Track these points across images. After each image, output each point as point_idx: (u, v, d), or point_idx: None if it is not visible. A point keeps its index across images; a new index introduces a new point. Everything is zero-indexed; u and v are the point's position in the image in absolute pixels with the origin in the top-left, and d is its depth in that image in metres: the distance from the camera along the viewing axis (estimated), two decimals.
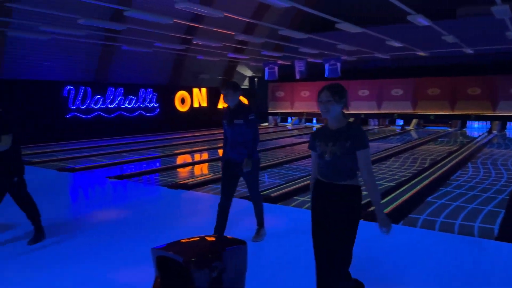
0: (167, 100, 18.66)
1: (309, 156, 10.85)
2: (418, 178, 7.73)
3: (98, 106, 15.86)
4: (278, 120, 24.19)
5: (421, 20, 10.70)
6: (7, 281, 3.43)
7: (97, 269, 3.67)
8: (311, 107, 22.54)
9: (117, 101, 16.52)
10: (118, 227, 5.01)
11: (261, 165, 9.25)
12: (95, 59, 15.99)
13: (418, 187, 6.97)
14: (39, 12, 11.63)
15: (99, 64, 16.17)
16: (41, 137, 13.85)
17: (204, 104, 20.81)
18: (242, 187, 7.12)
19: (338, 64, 19.18)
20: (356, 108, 21.18)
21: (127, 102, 16.94)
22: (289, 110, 23.78)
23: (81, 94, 15.20)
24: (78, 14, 11.44)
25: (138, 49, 15.45)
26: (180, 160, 11.13)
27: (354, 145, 2.59)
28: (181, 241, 2.39)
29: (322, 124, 3.12)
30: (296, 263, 3.83)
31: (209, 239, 2.63)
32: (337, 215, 2.65)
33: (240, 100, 4.24)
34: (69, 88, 14.82)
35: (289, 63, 21.11)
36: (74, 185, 7.88)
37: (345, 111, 2.73)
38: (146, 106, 17.75)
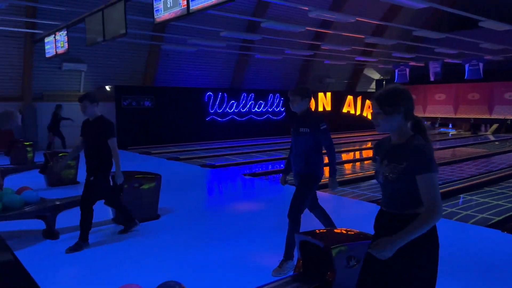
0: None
1: (443, 164, 10.23)
2: None
3: (232, 110, 17.27)
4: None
5: None
6: (167, 252, 4.16)
7: (235, 252, 4.18)
8: (447, 111, 20.88)
9: (248, 106, 17.75)
10: (251, 217, 5.53)
11: None
12: (231, 67, 17.47)
13: None
14: (188, 27, 13.25)
15: (234, 72, 17.63)
16: (187, 137, 15.69)
17: (328, 108, 20.91)
18: (367, 190, 7.15)
19: (481, 65, 17.42)
20: (501, 113, 18.93)
21: (257, 106, 18.05)
22: (420, 114, 22.38)
23: (219, 99, 16.76)
24: (220, 27, 12.70)
25: (270, 57, 16.38)
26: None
27: (411, 167, 1.90)
28: (323, 230, 2.67)
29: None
30: None
31: (348, 231, 2.85)
32: (399, 259, 1.90)
33: (309, 107, 3.91)
34: (209, 94, 16.47)
35: (422, 65, 19.89)
36: (215, 179, 8.84)
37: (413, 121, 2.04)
38: (273, 110, 18.67)
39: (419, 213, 1.89)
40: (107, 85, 14.83)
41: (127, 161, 11.40)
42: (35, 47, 12.61)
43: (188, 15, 5.51)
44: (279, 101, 18.77)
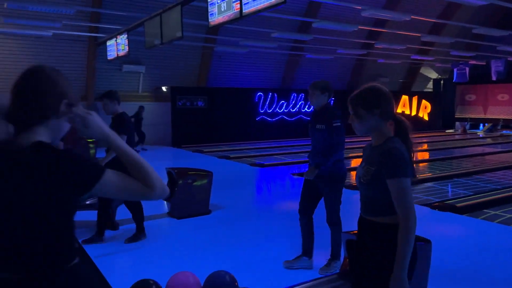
0: (344, 104, 18.98)
1: (505, 168, 9.66)
2: None
3: (282, 110, 17.36)
4: (467, 127, 21.80)
5: None
6: (217, 245, 4.34)
7: (282, 248, 4.26)
8: (511, 113, 19.60)
9: (298, 106, 17.75)
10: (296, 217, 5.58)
11: (444, 173, 8.82)
12: (282, 68, 17.56)
13: None
14: (240, 28, 13.50)
15: (285, 72, 17.70)
16: (237, 136, 16.00)
17: None
18: (421, 193, 6.93)
19: None
20: None
21: (307, 106, 18.00)
22: (481, 116, 21.19)
23: (269, 99, 16.92)
24: (272, 28, 12.83)
25: (321, 56, 16.28)
26: (354, 163, 11.32)
27: (379, 170, 1.82)
28: None
29: None
30: (480, 278, 3.67)
31: None
32: (368, 265, 1.91)
33: (327, 103, 3.72)
34: (259, 94, 16.68)
35: (484, 63, 18.83)
36: (263, 178, 8.98)
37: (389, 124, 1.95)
38: None
39: (393, 222, 1.80)
40: (163, 86, 15.48)
41: (180, 158, 11.89)
42: (98, 49, 13.46)
43: (241, 18, 5.67)
44: (330, 101, 18.56)
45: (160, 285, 2.42)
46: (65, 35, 12.49)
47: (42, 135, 1.24)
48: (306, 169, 3.72)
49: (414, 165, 1.92)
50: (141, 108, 13.53)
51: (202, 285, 2.43)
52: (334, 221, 3.68)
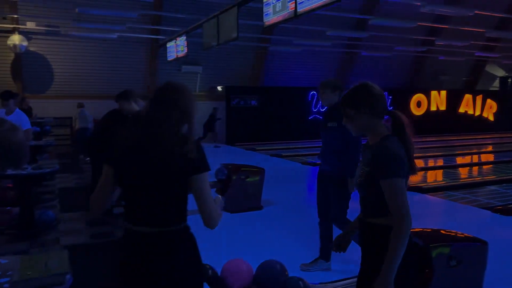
0: (401, 103, 18.34)
1: None
2: None
3: None
4: None
5: None
6: (268, 238, 4.47)
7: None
8: None
9: None
10: (349, 215, 5.57)
11: (509, 176, 8.31)
12: (336, 66, 17.35)
13: None
14: (294, 27, 13.55)
15: (339, 70, 17.47)
16: (289, 135, 16.06)
17: (443, 107, 19.49)
18: (482, 196, 6.61)
19: None
20: None
21: None
22: None
23: None
24: (326, 26, 12.75)
25: (378, 54, 15.88)
26: None
27: (373, 171, 1.76)
28: (424, 229, 2.67)
29: None
30: None
31: (449, 232, 2.80)
32: (365, 267, 1.87)
33: (339, 101, 3.63)
34: (312, 93, 16.61)
35: None
36: (315, 177, 8.95)
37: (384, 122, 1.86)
38: None
39: (389, 224, 1.71)
40: (218, 86, 15.91)
41: (234, 155, 12.17)
42: (159, 51, 14.13)
43: (295, 17, 5.74)
44: (387, 99, 18.06)
45: (215, 270, 2.58)
46: (128, 37, 13.24)
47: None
48: (317, 170, 3.79)
49: (415, 161, 1.84)
50: (215, 109, 14.27)
51: (254, 272, 2.56)
52: (339, 223, 3.64)
